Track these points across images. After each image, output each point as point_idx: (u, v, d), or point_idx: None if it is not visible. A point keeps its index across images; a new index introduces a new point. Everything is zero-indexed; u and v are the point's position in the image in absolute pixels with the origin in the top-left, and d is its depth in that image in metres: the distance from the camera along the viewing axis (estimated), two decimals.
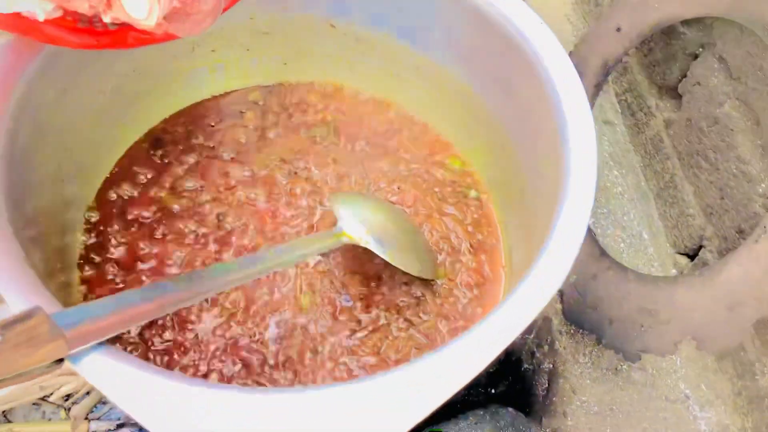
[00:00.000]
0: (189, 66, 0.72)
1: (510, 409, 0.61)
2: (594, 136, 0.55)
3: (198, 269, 0.62)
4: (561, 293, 0.71)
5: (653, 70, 0.74)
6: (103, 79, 0.64)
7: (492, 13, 0.63)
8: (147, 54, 0.66)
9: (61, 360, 0.42)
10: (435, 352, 0.44)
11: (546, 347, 0.71)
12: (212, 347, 0.61)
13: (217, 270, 0.52)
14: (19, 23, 0.51)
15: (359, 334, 0.64)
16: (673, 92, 0.72)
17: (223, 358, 0.61)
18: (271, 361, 0.61)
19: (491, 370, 0.73)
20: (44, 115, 0.57)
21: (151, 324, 0.61)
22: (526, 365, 0.71)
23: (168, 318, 0.61)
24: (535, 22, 0.61)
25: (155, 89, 0.71)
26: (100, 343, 0.43)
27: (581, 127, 0.55)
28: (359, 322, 0.65)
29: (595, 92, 0.73)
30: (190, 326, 0.61)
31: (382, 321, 0.65)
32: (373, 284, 0.67)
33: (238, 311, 0.63)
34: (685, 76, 0.69)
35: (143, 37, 0.54)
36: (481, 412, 0.60)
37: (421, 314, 0.66)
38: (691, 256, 0.71)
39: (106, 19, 0.50)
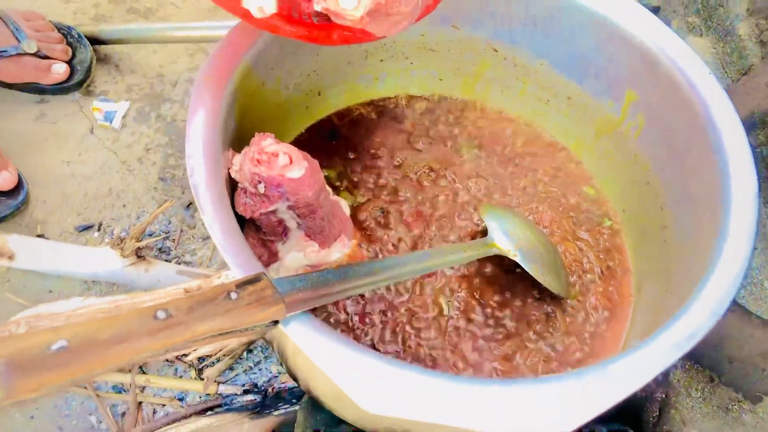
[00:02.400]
0: (359, 72, 0.78)
1: (629, 429, 0.65)
2: (755, 180, 0.58)
3: (376, 260, 0.68)
4: None
5: None
6: (291, 77, 0.71)
7: (656, 52, 0.67)
8: (328, 57, 0.73)
9: (276, 322, 0.48)
10: (600, 366, 0.48)
11: (660, 377, 0.74)
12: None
13: (393, 261, 0.57)
14: (241, 8, 0.57)
15: (492, 341, 0.68)
16: None
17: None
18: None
19: None
20: (246, 100, 0.63)
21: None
22: (638, 392, 0.74)
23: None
24: (699, 65, 0.65)
25: (328, 89, 0.77)
26: (304, 313, 0.49)
27: (744, 173, 0.59)
28: (492, 329, 0.69)
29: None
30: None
31: (513, 330, 0.69)
32: (507, 295, 0.71)
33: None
34: None
35: (347, 35, 0.60)
36: (603, 429, 0.64)
37: (550, 329, 0.70)
38: None
39: (317, 8, 0.56)
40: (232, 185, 0.62)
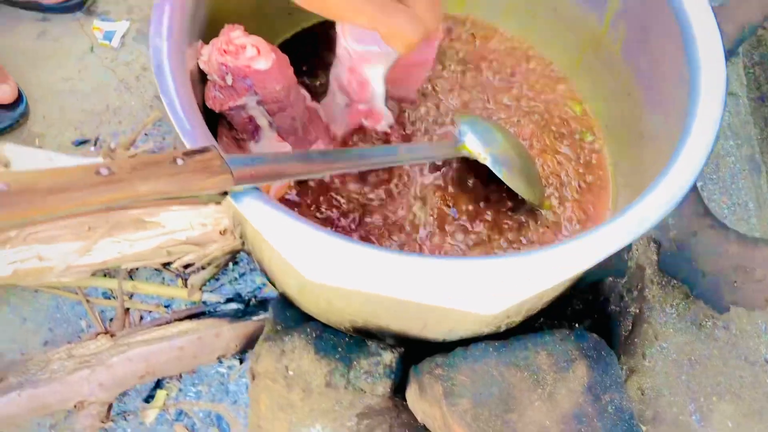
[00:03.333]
0: None
1: (594, 334, 0.65)
2: (723, 88, 0.57)
3: (342, 149, 0.68)
4: (659, 245, 0.74)
5: None
6: None
7: None
8: None
9: (225, 193, 0.49)
10: (526, 253, 0.48)
11: (635, 293, 0.74)
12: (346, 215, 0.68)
13: (356, 152, 0.57)
14: None
15: (461, 246, 0.69)
16: None
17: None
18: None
19: (578, 307, 0.76)
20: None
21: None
22: (612, 306, 0.74)
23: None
24: None
25: None
26: (257, 189, 0.49)
27: (713, 77, 0.57)
28: (463, 234, 0.69)
29: (727, 58, 0.75)
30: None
31: (484, 237, 0.70)
32: (481, 204, 0.71)
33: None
34: None
35: None
36: (567, 332, 0.64)
37: (522, 238, 0.70)
38: None
39: None
40: (203, 82, 0.62)
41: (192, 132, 0.50)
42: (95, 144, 0.96)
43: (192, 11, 0.58)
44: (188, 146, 0.50)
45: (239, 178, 0.47)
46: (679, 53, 0.60)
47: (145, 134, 0.96)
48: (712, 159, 0.79)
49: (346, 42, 0.62)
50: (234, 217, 0.72)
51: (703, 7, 0.61)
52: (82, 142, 0.96)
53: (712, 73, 0.57)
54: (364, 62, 0.63)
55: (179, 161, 0.45)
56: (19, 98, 0.96)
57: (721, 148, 0.80)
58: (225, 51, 0.59)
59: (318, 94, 0.76)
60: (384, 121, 0.72)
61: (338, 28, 0.62)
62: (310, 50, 0.79)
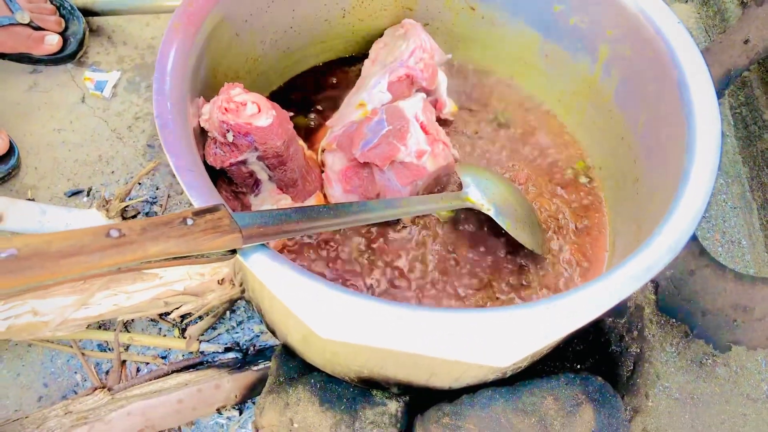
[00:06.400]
0: (337, 30, 0.79)
1: (599, 377, 0.65)
2: (719, 127, 0.58)
3: (346, 203, 0.69)
4: (656, 285, 0.74)
5: (767, 85, 0.77)
6: (266, 32, 0.72)
7: (629, 8, 0.67)
8: (305, 14, 0.74)
9: (233, 252, 0.49)
10: (539, 303, 0.48)
11: (635, 333, 0.74)
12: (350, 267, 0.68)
13: (361, 206, 0.58)
14: None
15: (464, 291, 0.69)
16: None
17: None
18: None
19: (579, 348, 0.77)
20: (220, 51, 0.64)
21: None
22: (613, 347, 0.75)
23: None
24: (672, 21, 0.65)
25: (305, 47, 0.78)
26: (264, 245, 0.49)
27: (708, 120, 0.59)
28: (466, 279, 0.70)
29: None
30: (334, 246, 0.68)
31: (485, 281, 0.70)
32: (481, 248, 0.72)
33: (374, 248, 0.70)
34: None
35: None
36: (572, 376, 0.64)
37: (523, 281, 0.71)
38: None
39: None
40: (204, 137, 0.63)
41: (200, 190, 0.50)
42: (88, 194, 0.96)
43: (193, 69, 0.59)
44: (196, 205, 0.50)
45: (248, 237, 0.48)
46: (673, 101, 0.62)
47: (139, 184, 0.96)
48: None
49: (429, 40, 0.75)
50: (235, 265, 0.72)
51: (694, 54, 0.63)
52: (75, 193, 0.96)
53: (707, 121, 0.58)
54: (436, 52, 0.75)
55: (189, 221, 0.46)
56: (11, 150, 0.96)
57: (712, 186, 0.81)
58: (226, 109, 0.59)
59: (312, 131, 0.77)
60: (447, 108, 0.79)
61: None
62: (300, 94, 0.80)
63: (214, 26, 0.63)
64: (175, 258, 0.45)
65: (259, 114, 0.61)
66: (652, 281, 0.75)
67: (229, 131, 0.60)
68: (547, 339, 0.48)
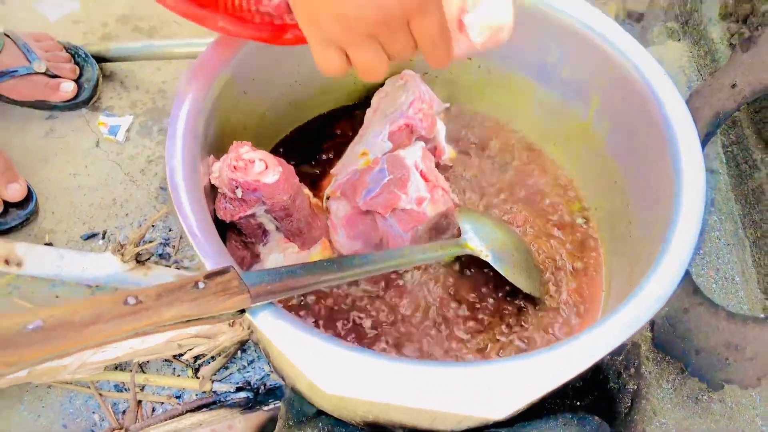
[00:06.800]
0: (341, 80, 0.82)
1: (596, 417, 0.67)
2: (703, 176, 0.61)
3: (350, 255, 0.72)
4: (652, 323, 0.77)
5: (762, 126, 0.79)
6: (272, 87, 0.75)
7: (618, 60, 0.70)
8: (310, 68, 0.77)
9: (242, 311, 0.52)
10: (536, 353, 0.51)
11: (632, 370, 0.77)
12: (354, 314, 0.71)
13: (364, 258, 0.61)
14: (192, 13, 0.62)
15: (464, 335, 0.72)
16: None
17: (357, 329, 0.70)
18: (389, 340, 0.70)
19: (578, 385, 0.79)
20: (228, 108, 0.68)
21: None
22: (611, 384, 0.77)
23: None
24: (659, 72, 0.68)
25: (309, 98, 0.81)
26: (271, 303, 0.52)
27: (693, 169, 0.62)
28: (466, 322, 0.72)
29: (704, 141, 0.79)
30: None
31: (486, 324, 0.73)
32: (482, 290, 0.75)
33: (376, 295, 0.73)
34: None
35: (299, 34, 0.64)
36: (570, 416, 0.67)
37: (522, 323, 0.73)
38: None
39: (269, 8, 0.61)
40: (214, 192, 0.66)
41: (210, 252, 0.53)
42: (103, 237, 0.99)
43: (203, 129, 0.63)
44: (207, 267, 0.53)
45: (256, 296, 0.51)
46: (661, 151, 0.64)
47: (152, 226, 0.99)
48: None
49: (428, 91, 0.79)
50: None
51: (681, 107, 0.66)
52: (91, 236, 0.99)
53: (693, 173, 0.61)
54: (434, 102, 0.79)
55: (200, 285, 0.49)
56: (29, 196, 1.00)
57: (706, 223, 0.83)
58: (235, 167, 0.63)
59: (318, 178, 0.81)
60: (446, 154, 0.82)
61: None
62: (306, 142, 0.84)
63: (223, 86, 0.67)
64: (188, 320, 0.48)
65: (266, 171, 0.64)
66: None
67: (238, 188, 0.64)
68: (543, 389, 0.50)
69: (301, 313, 0.71)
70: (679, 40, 1.00)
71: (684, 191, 0.61)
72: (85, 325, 0.43)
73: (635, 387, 0.76)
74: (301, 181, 0.73)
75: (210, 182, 0.65)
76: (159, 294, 0.46)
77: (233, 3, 0.65)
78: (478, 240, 0.71)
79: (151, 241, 0.97)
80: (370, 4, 0.50)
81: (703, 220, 0.83)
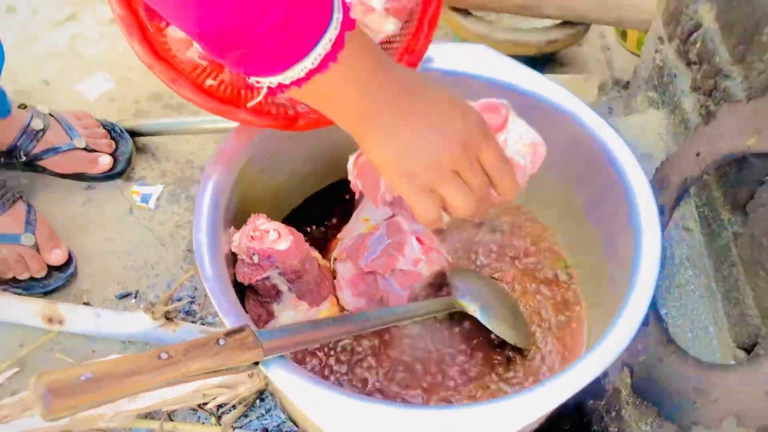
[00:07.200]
0: (349, 154, 0.92)
1: None
2: (659, 245, 0.70)
3: (351, 314, 0.81)
4: (632, 369, 0.84)
5: (727, 190, 0.87)
6: (287, 163, 0.86)
7: (589, 138, 0.80)
8: (319, 146, 0.87)
9: (257, 363, 0.61)
10: (509, 397, 0.60)
11: (614, 413, 0.84)
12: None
13: (363, 316, 0.70)
14: (218, 109, 0.72)
15: (458, 382, 0.80)
16: (742, 210, 0.85)
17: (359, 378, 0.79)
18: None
19: (565, 428, 0.86)
20: (247, 184, 0.78)
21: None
22: (595, 427, 0.84)
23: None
24: (626, 151, 0.77)
25: (321, 170, 0.92)
26: (282, 356, 0.62)
27: (651, 238, 0.71)
28: (459, 371, 0.81)
29: (675, 204, 0.88)
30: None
31: (477, 372, 0.81)
32: (474, 342, 0.83)
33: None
34: (752, 197, 0.83)
35: (311, 120, 0.75)
36: None
37: (511, 372, 0.81)
38: (749, 351, 0.82)
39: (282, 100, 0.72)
40: (234, 258, 0.76)
41: (230, 312, 0.63)
42: (136, 296, 1.09)
43: (226, 205, 0.73)
44: (227, 324, 0.63)
45: (268, 350, 0.60)
46: (625, 220, 0.73)
47: (180, 286, 1.09)
48: (674, 288, 0.90)
49: None
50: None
51: (643, 182, 0.75)
52: (125, 296, 1.09)
53: (651, 244, 0.70)
54: None
55: (221, 341, 0.58)
56: (70, 260, 1.11)
57: (682, 278, 0.91)
58: (252, 237, 0.73)
59: (327, 241, 0.90)
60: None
61: None
62: (316, 209, 0.94)
63: (243, 167, 0.77)
64: (211, 372, 0.57)
65: (279, 239, 0.74)
66: (628, 366, 0.84)
67: (254, 255, 0.73)
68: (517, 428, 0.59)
69: (310, 364, 0.80)
70: (659, 108, 1.10)
71: (643, 256, 0.69)
72: (126, 376, 0.52)
73: (616, 429, 0.83)
74: (311, 244, 0.83)
75: (231, 250, 0.75)
76: (187, 349, 0.56)
77: (248, 96, 0.76)
78: (469, 297, 0.80)
79: (179, 300, 1.07)
80: (450, 141, 0.59)
81: (679, 274, 0.91)
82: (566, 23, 1.30)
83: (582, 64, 1.43)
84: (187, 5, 0.48)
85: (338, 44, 0.53)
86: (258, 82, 0.54)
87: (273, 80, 0.53)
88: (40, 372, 0.50)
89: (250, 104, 0.70)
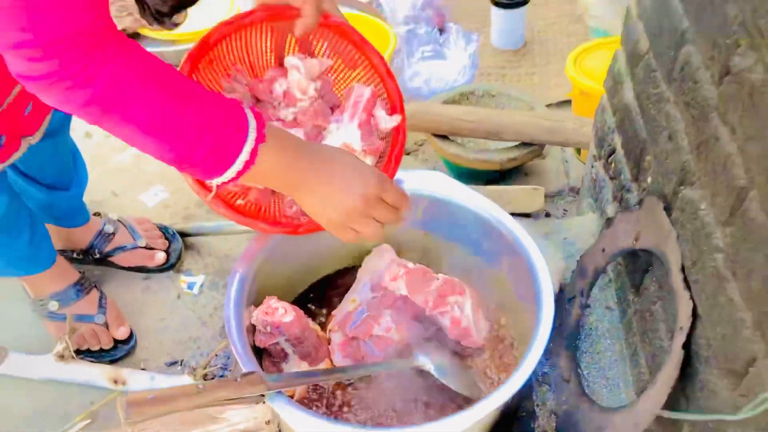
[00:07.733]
0: (348, 247, 1.22)
1: None
2: (552, 314, 0.97)
3: (337, 367, 1.09)
4: (557, 415, 1.09)
5: (630, 276, 1.14)
6: (297, 259, 1.16)
7: (514, 241, 1.09)
8: (322, 244, 1.17)
9: (262, 395, 0.89)
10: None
11: None
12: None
13: (345, 369, 0.98)
14: (242, 221, 1.03)
15: (425, 415, 1.06)
16: (638, 291, 1.11)
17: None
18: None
19: None
20: (264, 275, 1.09)
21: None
22: None
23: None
24: (536, 251, 1.06)
25: (323, 261, 1.22)
26: (281, 393, 0.90)
27: (547, 309, 0.98)
28: (427, 410, 1.07)
29: (589, 287, 1.15)
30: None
31: (440, 411, 1.07)
32: (436, 389, 1.09)
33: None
34: (642, 282, 1.09)
35: (309, 227, 1.05)
36: None
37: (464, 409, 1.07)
38: None
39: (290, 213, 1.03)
40: (253, 328, 1.05)
41: (246, 363, 0.92)
42: (181, 364, 1.39)
43: (248, 290, 1.03)
44: (244, 370, 0.92)
45: (270, 387, 0.88)
46: (532, 303, 1.01)
47: (216, 355, 1.38)
48: (594, 354, 1.16)
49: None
50: (273, 413, 1.12)
51: (544, 267, 1.03)
52: (173, 363, 1.39)
53: (546, 319, 0.98)
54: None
55: (238, 379, 0.87)
56: (131, 335, 1.41)
57: (602, 346, 1.17)
58: (266, 313, 1.02)
59: (325, 317, 1.19)
60: None
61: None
62: (317, 293, 1.24)
63: (261, 263, 1.08)
64: (229, 399, 0.86)
65: (285, 314, 1.03)
66: (554, 413, 1.10)
67: (268, 325, 1.03)
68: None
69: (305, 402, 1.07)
70: (594, 212, 1.38)
71: (539, 333, 0.97)
72: (176, 397, 0.81)
73: None
74: (313, 320, 1.12)
75: (251, 322, 1.04)
76: (214, 385, 0.85)
77: (267, 212, 1.07)
78: (425, 358, 1.07)
79: (214, 366, 1.36)
80: (354, 196, 0.91)
81: (600, 342, 1.17)
82: (524, 144, 1.61)
83: (544, 174, 1.73)
84: (147, 145, 0.84)
85: (254, 153, 0.84)
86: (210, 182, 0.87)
87: (218, 180, 0.85)
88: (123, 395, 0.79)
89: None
